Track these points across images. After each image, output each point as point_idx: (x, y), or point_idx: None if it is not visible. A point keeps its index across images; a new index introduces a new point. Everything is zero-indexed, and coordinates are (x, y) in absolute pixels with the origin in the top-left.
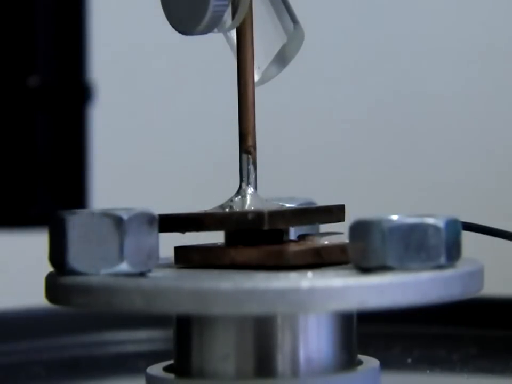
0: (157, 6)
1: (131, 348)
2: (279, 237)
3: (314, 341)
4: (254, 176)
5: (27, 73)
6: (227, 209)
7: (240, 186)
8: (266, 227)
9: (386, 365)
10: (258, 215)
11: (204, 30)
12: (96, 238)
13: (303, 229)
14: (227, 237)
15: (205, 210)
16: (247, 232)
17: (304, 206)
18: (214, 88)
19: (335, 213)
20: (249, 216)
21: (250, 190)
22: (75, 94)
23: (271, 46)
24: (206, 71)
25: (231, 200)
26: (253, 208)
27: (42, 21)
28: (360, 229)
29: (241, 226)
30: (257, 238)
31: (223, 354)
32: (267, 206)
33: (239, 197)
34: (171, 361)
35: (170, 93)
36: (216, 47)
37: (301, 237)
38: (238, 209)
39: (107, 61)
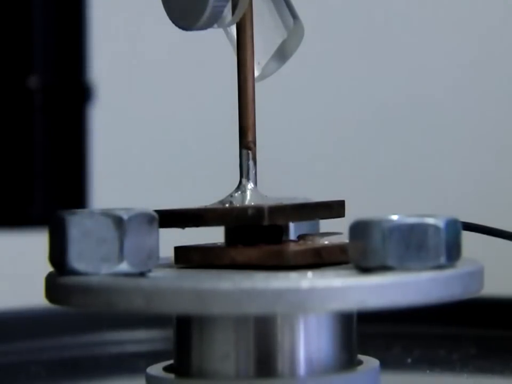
0: (157, 5)
1: (131, 348)
2: (279, 234)
3: (314, 341)
4: (254, 172)
5: (26, 74)
6: (227, 205)
7: (240, 182)
8: (266, 222)
9: (386, 365)
10: (258, 210)
11: (203, 25)
12: (96, 238)
13: (304, 229)
14: (227, 235)
15: (205, 206)
16: (247, 229)
17: (304, 202)
18: (214, 86)
19: (335, 208)
20: (249, 212)
21: (250, 185)
22: (75, 94)
23: (271, 41)
24: (205, 69)
25: (231, 195)
26: (252, 203)
27: (42, 21)
28: (360, 229)
29: (241, 222)
30: (257, 236)
31: (223, 354)
32: (267, 202)
33: (239, 192)
34: (171, 361)
35: (170, 92)
36: (216, 44)
37: (301, 237)
38: (238, 205)
39: (107, 61)
